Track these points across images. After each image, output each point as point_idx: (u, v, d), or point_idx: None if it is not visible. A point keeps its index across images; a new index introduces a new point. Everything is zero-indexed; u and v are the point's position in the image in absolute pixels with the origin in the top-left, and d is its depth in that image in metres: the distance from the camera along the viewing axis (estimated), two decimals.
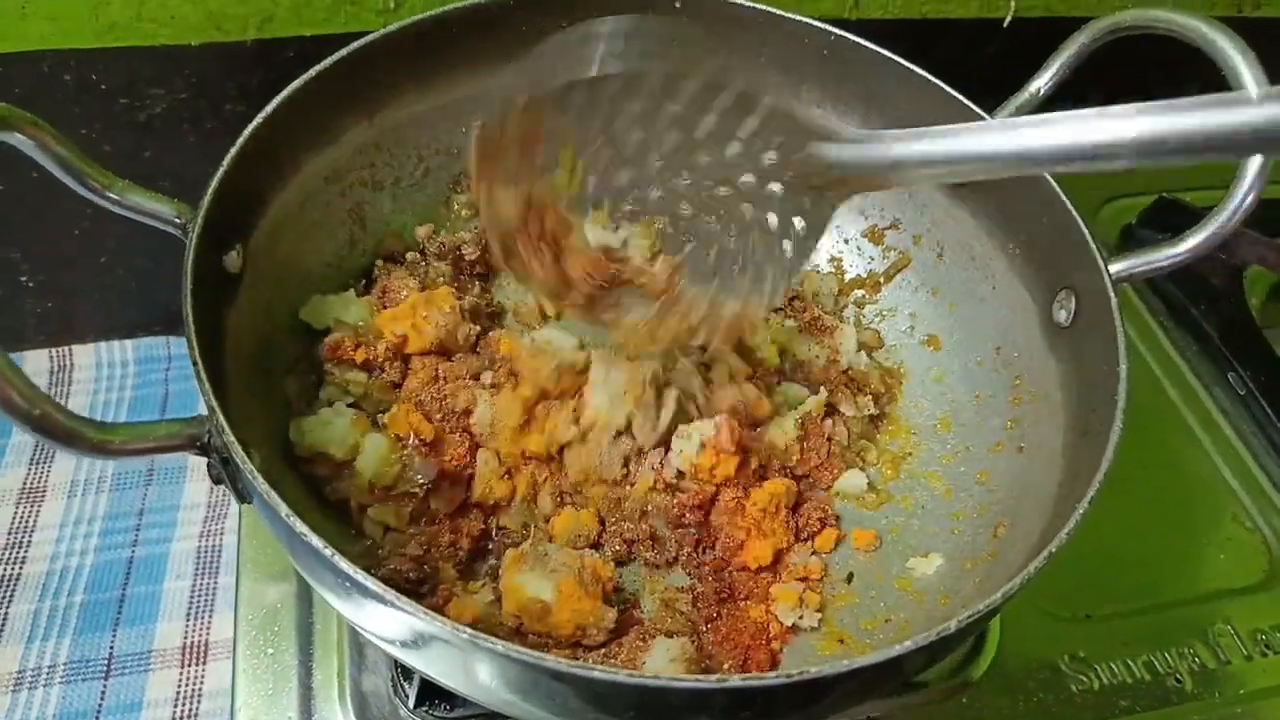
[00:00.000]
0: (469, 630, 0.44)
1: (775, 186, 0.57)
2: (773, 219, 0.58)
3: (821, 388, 0.76)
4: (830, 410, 0.76)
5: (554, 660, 0.44)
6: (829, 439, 0.74)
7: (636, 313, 0.63)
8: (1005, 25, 1.05)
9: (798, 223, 0.57)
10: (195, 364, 0.52)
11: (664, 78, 0.54)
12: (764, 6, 0.75)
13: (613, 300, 0.64)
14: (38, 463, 0.93)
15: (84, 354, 1.00)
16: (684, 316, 0.62)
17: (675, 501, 0.68)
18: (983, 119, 0.69)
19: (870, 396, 0.77)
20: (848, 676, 0.45)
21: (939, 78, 0.71)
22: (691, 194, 0.59)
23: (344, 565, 0.46)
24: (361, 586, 0.46)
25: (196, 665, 0.83)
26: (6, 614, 0.84)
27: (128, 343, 1.01)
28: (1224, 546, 0.83)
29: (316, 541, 0.47)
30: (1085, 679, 0.73)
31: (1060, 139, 0.44)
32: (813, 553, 0.69)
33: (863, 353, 0.80)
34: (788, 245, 0.58)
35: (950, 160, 0.49)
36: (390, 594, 0.45)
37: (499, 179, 0.57)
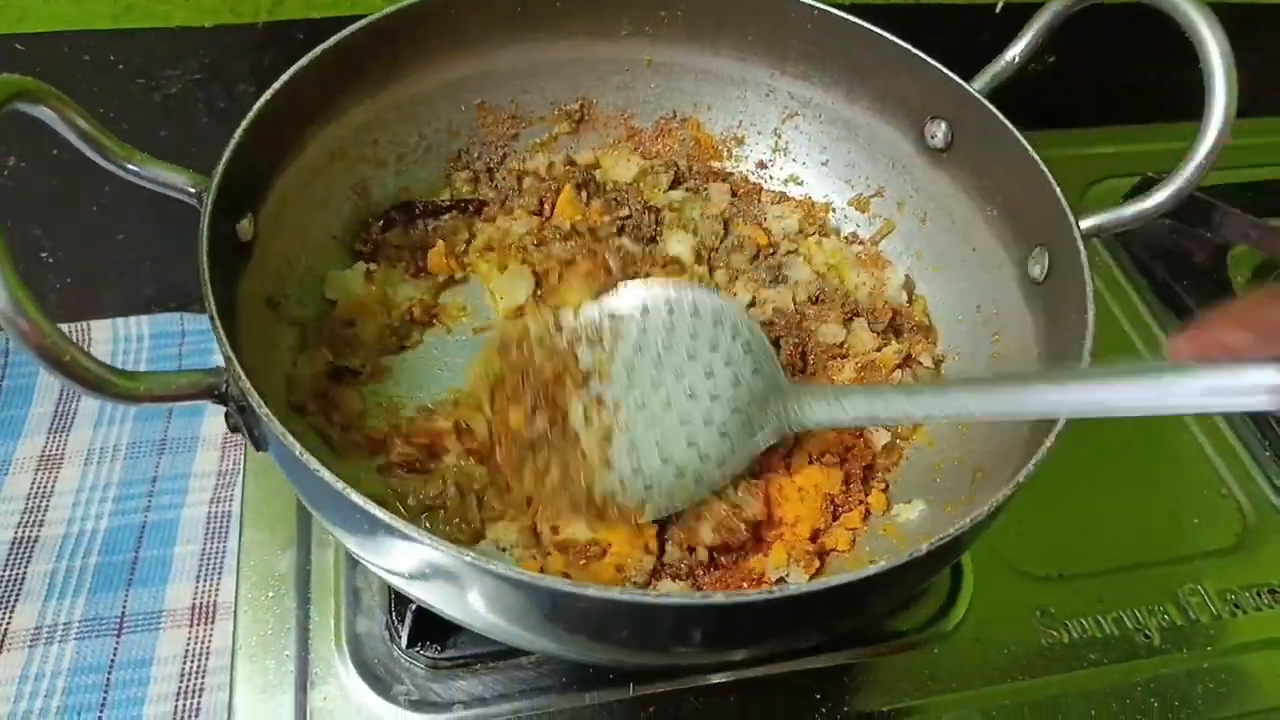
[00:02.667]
0: (471, 554, 0.47)
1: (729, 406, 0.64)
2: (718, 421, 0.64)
3: (895, 338, 0.77)
4: (906, 360, 0.77)
5: (549, 579, 0.47)
6: None
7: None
8: (998, 11, 1.07)
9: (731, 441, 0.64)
10: (212, 318, 0.55)
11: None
12: None
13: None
14: (56, 431, 0.96)
15: (102, 329, 1.03)
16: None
17: (734, 513, 0.67)
18: (966, 90, 0.72)
19: (922, 336, 0.78)
20: (826, 595, 0.47)
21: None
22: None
23: (355, 498, 0.48)
24: (371, 517, 0.48)
25: (205, 625, 0.86)
26: (25, 574, 0.87)
27: (144, 318, 1.04)
28: (1198, 511, 0.85)
29: (328, 476, 0.49)
30: (1055, 634, 0.74)
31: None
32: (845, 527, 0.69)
33: (904, 291, 0.81)
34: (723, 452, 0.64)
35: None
36: (399, 523, 0.47)
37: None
